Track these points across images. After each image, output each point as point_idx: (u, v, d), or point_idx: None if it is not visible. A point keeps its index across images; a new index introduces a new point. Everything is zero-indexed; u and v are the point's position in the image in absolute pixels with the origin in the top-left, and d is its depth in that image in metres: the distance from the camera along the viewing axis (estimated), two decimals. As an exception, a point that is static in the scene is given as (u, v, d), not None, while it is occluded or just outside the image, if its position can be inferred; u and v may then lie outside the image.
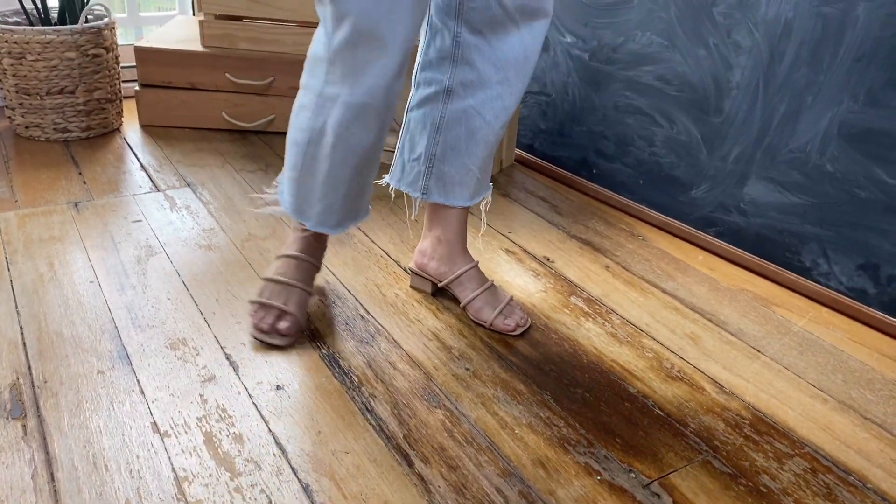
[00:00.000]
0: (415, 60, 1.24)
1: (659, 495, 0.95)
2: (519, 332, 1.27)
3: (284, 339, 1.19)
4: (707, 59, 1.55)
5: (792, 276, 1.48)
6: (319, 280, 1.40)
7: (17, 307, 1.26)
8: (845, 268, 1.40)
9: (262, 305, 1.21)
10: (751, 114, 1.49)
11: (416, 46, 1.18)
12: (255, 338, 1.20)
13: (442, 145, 1.24)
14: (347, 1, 0.97)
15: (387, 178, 1.34)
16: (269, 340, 1.19)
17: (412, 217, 1.56)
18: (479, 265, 1.43)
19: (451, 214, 1.30)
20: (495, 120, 1.21)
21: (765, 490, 0.97)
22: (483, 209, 1.38)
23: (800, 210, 1.45)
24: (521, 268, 1.51)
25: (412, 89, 1.25)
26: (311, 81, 1.10)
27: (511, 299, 1.30)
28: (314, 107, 1.09)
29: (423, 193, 1.29)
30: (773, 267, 1.51)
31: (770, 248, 1.51)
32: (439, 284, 1.35)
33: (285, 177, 1.21)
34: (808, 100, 1.40)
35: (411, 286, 1.40)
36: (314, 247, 1.28)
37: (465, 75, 1.18)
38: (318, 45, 1.07)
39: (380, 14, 0.97)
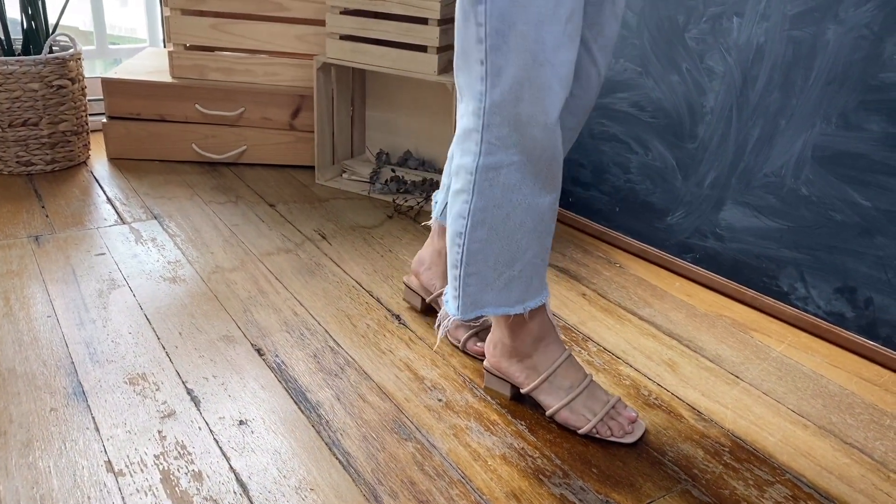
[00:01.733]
0: None
1: (638, 528, 0.91)
2: None
3: (642, 424, 1.09)
4: (680, 85, 1.55)
5: (770, 300, 1.46)
6: (289, 313, 1.36)
7: (-31, 343, 1.21)
8: (823, 291, 1.38)
9: (603, 423, 1.06)
10: (725, 139, 1.49)
11: None
12: (631, 443, 1.06)
13: None
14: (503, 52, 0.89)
15: (437, 216, 1.29)
16: (638, 434, 1.06)
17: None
18: None
19: None
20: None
21: (747, 520, 0.93)
22: None
23: (776, 234, 1.44)
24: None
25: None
26: (462, 161, 0.99)
27: (490, 325, 1.26)
28: (471, 186, 0.98)
29: (440, 213, 1.27)
30: (750, 292, 1.49)
31: (747, 273, 1.50)
32: (427, 300, 1.34)
33: (449, 286, 1.08)
34: (781, 123, 1.39)
35: (404, 299, 1.41)
36: (556, 338, 1.12)
37: None
38: (465, 119, 0.97)
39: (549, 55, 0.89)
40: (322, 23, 1.99)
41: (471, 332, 1.25)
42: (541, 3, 0.85)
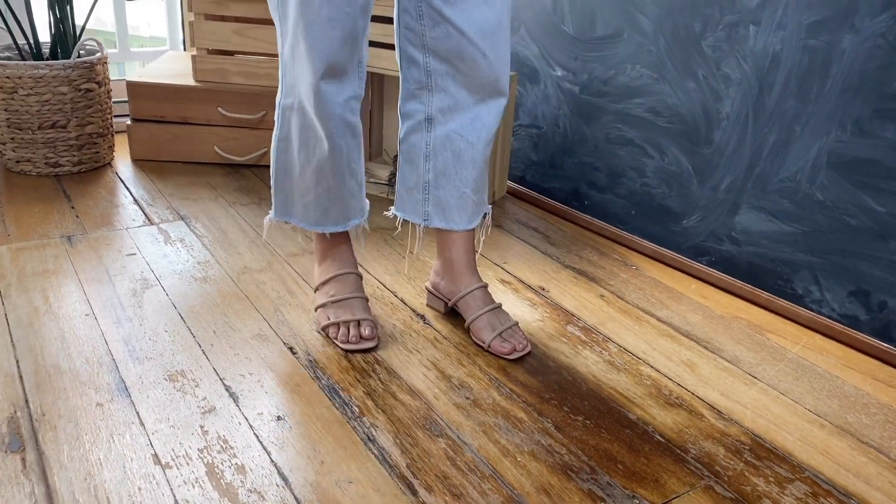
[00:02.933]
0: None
1: (664, 521, 0.95)
2: (515, 356, 1.29)
3: (373, 341, 1.28)
4: (696, 91, 1.58)
5: (784, 303, 1.50)
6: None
7: (12, 340, 1.25)
8: (837, 295, 1.42)
9: (334, 324, 1.29)
10: (741, 144, 1.53)
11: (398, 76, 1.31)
12: (347, 351, 1.27)
13: (433, 172, 1.31)
14: (285, 21, 1.14)
15: (392, 209, 1.40)
16: (362, 347, 1.27)
17: (414, 250, 1.69)
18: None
19: (455, 237, 1.35)
20: (478, 140, 1.27)
21: (769, 515, 0.97)
22: (483, 234, 1.42)
23: (791, 238, 1.47)
24: (516, 297, 1.52)
25: (399, 122, 1.32)
26: (276, 100, 1.26)
27: (515, 324, 1.33)
28: (278, 118, 1.24)
29: (424, 220, 1.35)
30: (765, 295, 1.53)
31: (762, 276, 1.53)
32: (448, 304, 1.39)
33: (272, 192, 1.34)
34: (797, 130, 1.43)
35: (427, 304, 1.45)
36: (345, 261, 1.36)
37: (441, 102, 1.25)
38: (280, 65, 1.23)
39: (305, 30, 1.11)
40: (343, 28, 2.02)
41: (495, 333, 1.29)
42: None
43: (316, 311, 1.34)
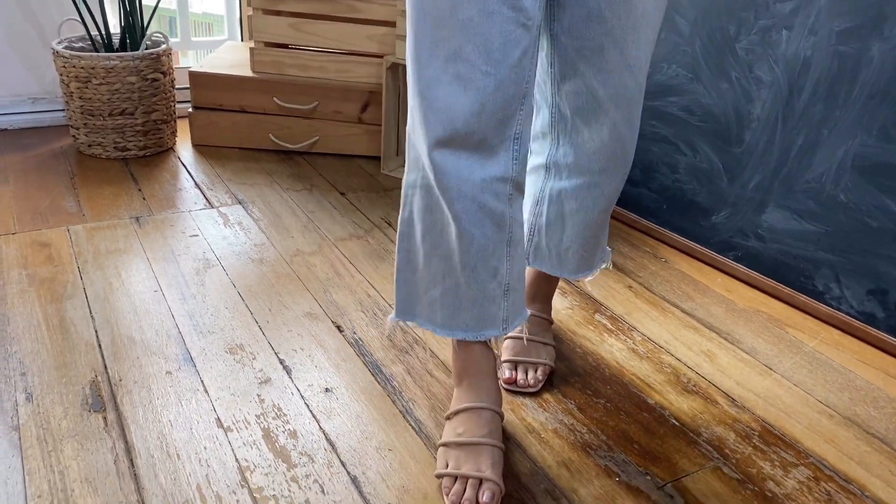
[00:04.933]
0: None
1: (672, 496, 1.04)
2: (510, 387, 1.25)
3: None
4: (729, 92, 1.65)
5: (805, 299, 1.56)
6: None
7: (91, 313, 1.39)
8: (856, 292, 1.48)
9: (451, 477, 1.02)
10: (770, 145, 1.59)
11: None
12: None
13: (542, 217, 1.22)
14: (411, 76, 0.96)
15: None
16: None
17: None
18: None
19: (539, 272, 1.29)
20: (594, 206, 1.17)
21: (770, 495, 1.06)
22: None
23: (814, 237, 1.54)
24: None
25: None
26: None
27: (544, 364, 1.27)
28: (403, 198, 1.05)
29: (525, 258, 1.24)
30: (787, 290, 1.59)
31: (785, 272, 1.60)
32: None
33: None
34: (824, 133, 1.49)
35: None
36: (485, 389, 1.10)
37: (562, 157, 1.15)
38: None
39: (422, 89, 0.95)
40: (392, 24, 2.13)
41: (514, 358, 1.28)
42: (420, 40, 0.92)
43: (438, 448, 1.08)
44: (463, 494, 0.99)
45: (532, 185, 1.21)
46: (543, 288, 1.34)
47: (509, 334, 1.21)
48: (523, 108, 0.96)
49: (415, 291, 1.08)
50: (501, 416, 1.10)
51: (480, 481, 1.00)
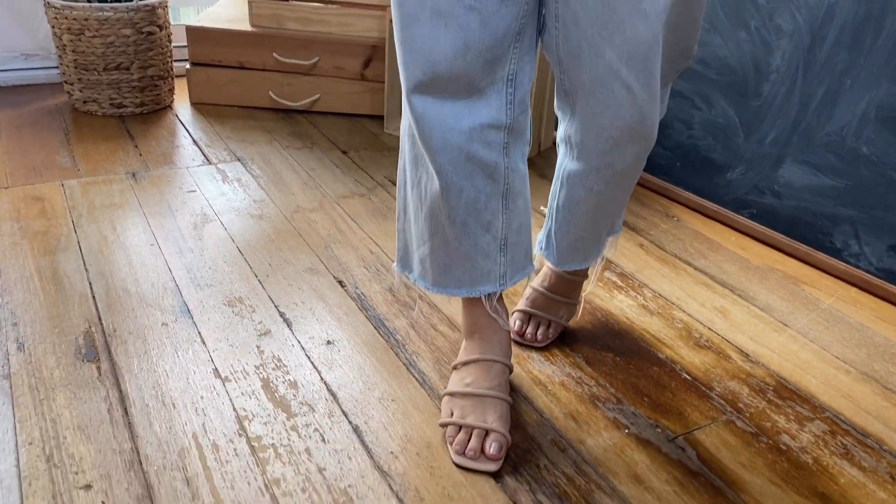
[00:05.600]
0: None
1: (683, 448, 1.01)
2: (526, 340, 1.21)
3: (496, 463, 0.95)
4: (748, 43, 1.58)
5: (822, 256, 1.51)
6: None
7: (85, 265, 1.35)
8: (876, 249, 1.43)
9: (456, 426, 0.98)
10: (789, 97, 1.53)
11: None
12: (459, 466, 0.95)
13: (555, 199, 1.09)
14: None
15: None
16: (479, 467, 0.94)
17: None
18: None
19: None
20: (605, 187, 1.00)
21: (784, 448, 1.02)
22: (593, 274, 1.22)
23: (833, 192, 1.49)
24: (556, 242, 1.57)
25: None
26: None
27: (556, 322, 1.22)
28: (400, 144, 1.00)
29: (539, 247, 1.17)
30: (804, 248, 1.55)
31: (802, 229, 1.55)
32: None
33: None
34: (846, 83, 1.43)
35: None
36: (496, 342, 1.04)
37: (573, 133, 0.97)
38: None
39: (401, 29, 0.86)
40: (396, -24, 2.06)
41: (530, 309, 1.23)
42: None
43: (442, 397, 1.04)
44: (467, 444, 0.95)
45: (559, 158, 1.07)
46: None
47: (532, 285, 1.17)
48: (518, 46, 0.86)
49: (410, 245, 1.03)
50: (510, 370, 1.05)
51: (486, 432, 0.96)
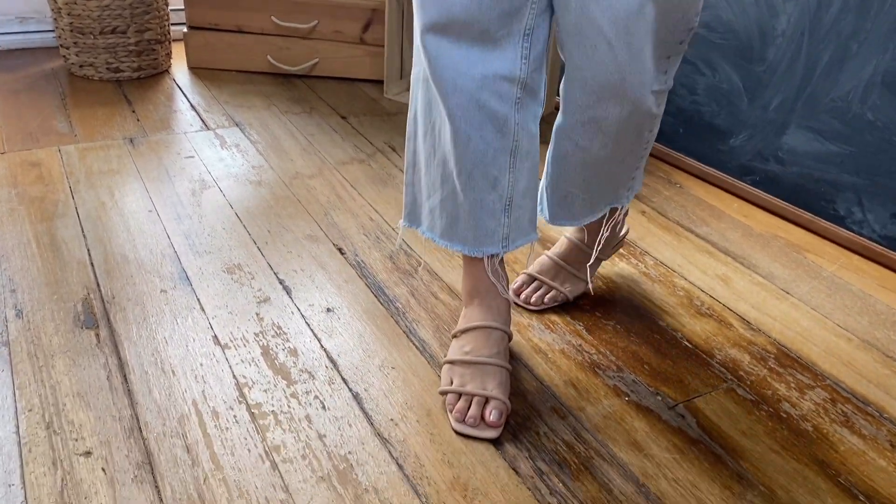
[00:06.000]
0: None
1: (683, 416, 1.01)
2: (521, 300, 1.21)
3: (496, 430, 0.95)
4: (753, 7, 1.55)
5: (825, 224, 1.50)
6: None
7: (83, 231, 1.34)
8: (879, 216, 1.42)
9: (455, 394, 0.98)
10: (794, 62, 1.51)
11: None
12: (459, 433, 0.95)
13: (548, 154, 1.08)
14: None
15: None
16: (479, 434, 0.94)
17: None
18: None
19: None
20: (590, 146, 0.99)
21: (785, 416, 1.02)
22: (606, 230, 1.17)
23: (837, 159, 1.47)
24: (558, 209, 1.55)
25: None
26: None
27: (559, 292, 1.21)
28: (411, 95, 0.99)
29: (539, 206, 1.15)
30: (807, 215, 1.53)
31: (805, 196, 1.54)
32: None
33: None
34: (853, 48, 1.40)
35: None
36: (495, 309, 1.04)
37: (562, 88, 0.98)
38: None
39: None
40: (396, -63, 2.02)
41: (541, 273, 1.23)
42: None
43: (442, 365, 1.04)
44: (467, 412, 0.95)
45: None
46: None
47: (546, 252, 1.19)
48: (536, 2, 0.87)
49: (419, 197, 1.03)
50: (510, 337, 1.05)
51: (486, 400, 0.96)
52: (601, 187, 1.07)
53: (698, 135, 1.73)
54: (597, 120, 0.96)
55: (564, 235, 1.25)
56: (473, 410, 0.95)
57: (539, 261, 1.25)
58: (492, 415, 0.95)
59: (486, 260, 1.01)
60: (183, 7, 2.19)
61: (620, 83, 0.90)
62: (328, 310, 1.18)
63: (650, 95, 0.93)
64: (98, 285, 1.20)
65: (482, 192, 0.96)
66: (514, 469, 0.91)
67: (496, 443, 0.94)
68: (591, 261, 1.19)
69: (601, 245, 1.19)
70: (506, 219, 0.99)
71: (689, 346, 1.16)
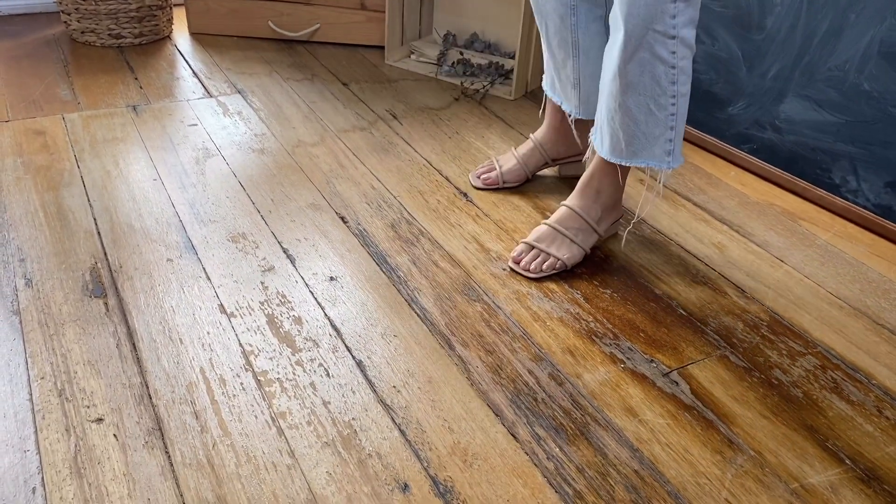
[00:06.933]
0: None
1: (677, 383, 1.04)
2: (520, 267, 1.26)
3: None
4: (752, -26, 1.55)
5: (821, 192, 1.52)
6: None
7: (89, 200, 1.36)
8: (873, 185, 1.44)
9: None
10: (793, 31, 1.51)
11: None
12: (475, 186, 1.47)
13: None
14: None
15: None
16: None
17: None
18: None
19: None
20: (625, 66, 1.13)
21: (776, 382, 1.06)
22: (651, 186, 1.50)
23: (833, 128, 1.48)
24: (557, 182, 1.57)
25: None
26: None
27: (556, 260, 1.26)
28: None
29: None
30: (802, 183, 1.55)
31: (802, 164, 1.55)
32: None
33: None
34: (851, 17, 1.41)
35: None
36: (541, 127, 1.47)
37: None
38: None
39: None
40: None
41: (536, 241, 1.28)
42: None
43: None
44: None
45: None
46: (595, 182, 1.28)
47: (544, 221, 1.30)
48: None
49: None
50: (538, 148, 1.49)
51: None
52: (620, 124, 1.17)
53: (696, 103, 1.73)
54: (611, 46, 1.14)
55: (562, 203, 1.29)
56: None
57: (537, 229, 1.28)
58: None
59: (567, 114, 1.42)
60: (182, -29, 2.18)
61: (621, 12, 1.08)
62: (331, 278, 1.20)
63: (651, 32, 1.07)
64: (105, 254, 1.22)
65: (558, 64, 1.37)
66: (512, 435, 0.94)
67: (495, 409, 0.98)
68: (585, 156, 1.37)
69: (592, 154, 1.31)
70: (575, 93, 1.38)
71: (684, 313, 1.18)
